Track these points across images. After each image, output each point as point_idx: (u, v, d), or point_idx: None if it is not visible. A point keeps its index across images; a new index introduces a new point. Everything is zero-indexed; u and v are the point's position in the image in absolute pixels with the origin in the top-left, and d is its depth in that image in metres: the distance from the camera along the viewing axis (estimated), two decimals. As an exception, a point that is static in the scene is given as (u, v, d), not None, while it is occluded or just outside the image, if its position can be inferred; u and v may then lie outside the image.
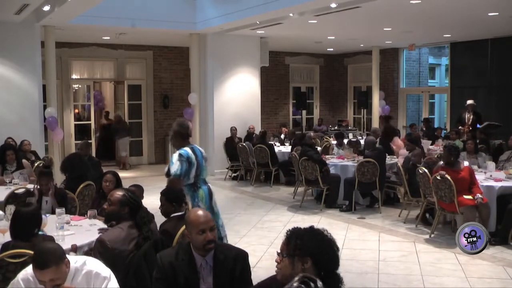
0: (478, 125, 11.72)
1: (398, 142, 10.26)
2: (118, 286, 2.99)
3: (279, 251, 2.53)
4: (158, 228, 4.41)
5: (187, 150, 5.28)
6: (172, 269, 3.03)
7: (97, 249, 3.68)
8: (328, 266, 2.43)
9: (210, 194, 5.43)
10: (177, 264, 3.04)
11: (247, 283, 3.15)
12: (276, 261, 2.52)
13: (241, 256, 3.18)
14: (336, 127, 16.13)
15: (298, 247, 2.42)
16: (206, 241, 3.04)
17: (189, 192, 5.27)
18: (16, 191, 5.97)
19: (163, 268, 3.04)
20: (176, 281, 3.02)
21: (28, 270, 2.95)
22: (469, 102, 12.11)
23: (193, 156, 5.28)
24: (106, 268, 2.99)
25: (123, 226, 3.85)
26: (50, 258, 2.78)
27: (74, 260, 2.95)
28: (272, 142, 12.03)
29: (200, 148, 5.58)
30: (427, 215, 7.70)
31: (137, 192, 5.04)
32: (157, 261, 3.09)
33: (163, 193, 4.46)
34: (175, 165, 5.24)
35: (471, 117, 11.91)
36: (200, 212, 3.12)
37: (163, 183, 5.51)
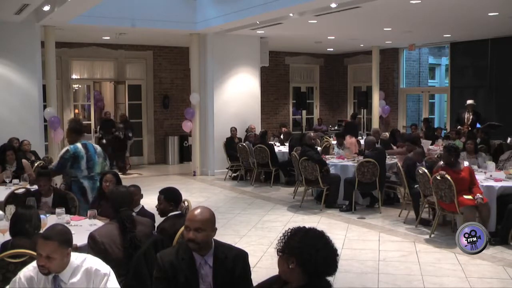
0: (478, 125, 11.73)
1: (350, 140, 10.49)
2: (117, 283, 3.01)
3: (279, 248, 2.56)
4: (156, 228, 4.44)
5: (77, 145, 5.89)
6: (172, 268, 3.02)
7: (89, 244, 3.79)
8: (315, 270, 2.42)
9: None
10: (178, 263, 3.03)
11: (247, 283, 3.15)
12: None
13: (241, 256, 3.18)
14: (336, 127, 16.11)
15: (287, 245, 2.45)
16: (186, 238, 3.04)
17: (89, 184, 5.88)
18: (16, 191, 5.95)
19: (163, 268, 3.03)
20: (177, 280, 3.01)
21: (30, 267, 2.98)
22: (469, 102, 12.13)
23: (82, 151, 5.86)
24: (105, 265, 3.01)
25: (115, 222, 3.97)
26: (57, 234, 2.89)
27: (75, 257, 2.98)
28: (272, 142, 12.02)
29: (95, 145, 6.22)
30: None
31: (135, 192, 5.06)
32: (157, 261, 3.08)
33: (162, 192, 4.47)
34: (56, 161, 5.97)
35: (471, 117, 11.92)
36: (196, 211, 3.09)
37: (163, 183, 5.58)
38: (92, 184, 5.88)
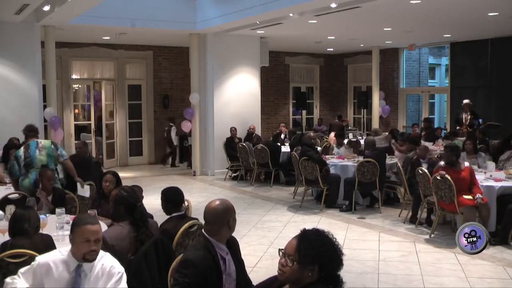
0: (475, 125, 11.68)
1: (331, 136, 12.11)
2: (126, 285, 3.08)
3: (282, 249, 2.49)
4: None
5: (20, 149, 6.42)
6: (208, 268, 3.02)
7: None
8: (332, 270, 2.43)
9: (36, 183, 6.09)
10: (212, 261, 3.05)
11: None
12: (281, 263, 2.47)
13: (235, 239, 3.34)
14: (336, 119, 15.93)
15: (310, 255, 2.39)
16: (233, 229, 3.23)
17: (22, 182, 6.22)
18: (9, 196, 5.79)
19: (200, 270, 2.97)
20: (211, 278, 3.03)
21: (49, 257, 3.07)
22: (465, 101, 12.09)
23: (21, 151, 6.35)
24: (120, 266, 3.10)
25: (124, 224, 3.92)
26: (95, 218, 3.19)
27: None
28: (278, 144, 11.97)
29: (41, 141, 6.50)
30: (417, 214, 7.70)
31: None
32: (192, 266, 2.99)
33: (162, 193, 4.47)
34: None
35: (469, 117, 11.87)
36: (223, 199, 3.27)
37: (163, 183, 5.57)
38: (24, 181, 6.18)
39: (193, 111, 12.56)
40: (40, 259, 3.07)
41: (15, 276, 3.09)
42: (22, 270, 3.10)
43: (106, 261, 3.07)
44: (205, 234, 3.13)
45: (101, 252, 3.10)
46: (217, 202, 3.18)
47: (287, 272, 2.43)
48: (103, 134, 14.03)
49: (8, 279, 3.10)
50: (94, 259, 3.01)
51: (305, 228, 2.52)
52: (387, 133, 11.31)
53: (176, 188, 4.54)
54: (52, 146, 6.43)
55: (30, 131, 6.70)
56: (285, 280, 2.48)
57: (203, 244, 3.11)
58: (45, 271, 3.02)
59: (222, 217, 3.12)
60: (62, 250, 3.13)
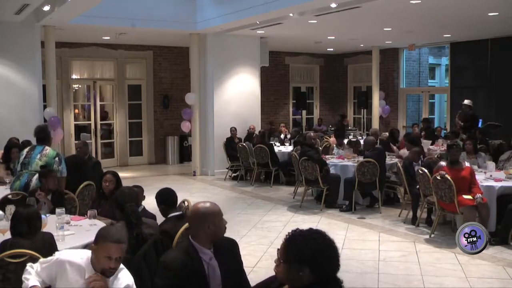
0: (464, 125, 11.62)
1: (333, 139, 11.63)
2: None
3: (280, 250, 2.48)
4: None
5: (26, 148, 6.38)
6: (186, 271, 2.96)
7: None
8: (326, 272, 2.39)
9: (26, 186, 5.98)
10: (191, 263, 2.99)
11: (242, 268, 3.26)
12: (275, 262, 2.48)
13: (234, 243, 3.27)
14: (338, 119, 15.91)
15: (295, 254, 2.37)
16: (225, 226, 3.13)
17: (14, 183, 6.13)
18: (9, 196, 5.74)
19: (175, 273, 2.94)
20: (190, 281, 2.98)
21: (68, 256, 3.05)
22: (465, 102, 12.01)
23: (24, 152, 6.28)
24: (131, 277, 3.07)
25: (121, 225, 3.94)
26: (124, 236, 3.00)
27: None
28: (272, 142, 12.00)
29: (47, 148, 6.24)
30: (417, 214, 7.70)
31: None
32: (165, 268, 2.97)
33: (156, 196, 4.51)
34: None
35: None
36: (211, 202, 3.20)
37: (163, 183, 5.57)
38: (15, 183, 6.06)
39: (191, 111, 12.56)
40: (61, 255, 3.06)
41: (34, 266, 3.11)
42: (42, 260, 3.13)
43: (121, 275, 3.03)
44: (189, 236, 3.10)
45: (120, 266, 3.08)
46: (200, 204, 3.12)
47: (278, 272, 2.44)
48: (98, 134, 14.04)
49: (28, 266, 3.12)
50: (111, 275, 2.96)
51: (297, 228, 2.50)
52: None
53: (169, 189, 4.55)
54: (56, 158, 6.20)
55: (37, 138, 6.41)
56: (280, 279, 2.48)
57: (185, 246, 3.09)
58: (60, 269, 3.01)
59: (201, 220, 3.04)
60: (84, 253, 3.08)
